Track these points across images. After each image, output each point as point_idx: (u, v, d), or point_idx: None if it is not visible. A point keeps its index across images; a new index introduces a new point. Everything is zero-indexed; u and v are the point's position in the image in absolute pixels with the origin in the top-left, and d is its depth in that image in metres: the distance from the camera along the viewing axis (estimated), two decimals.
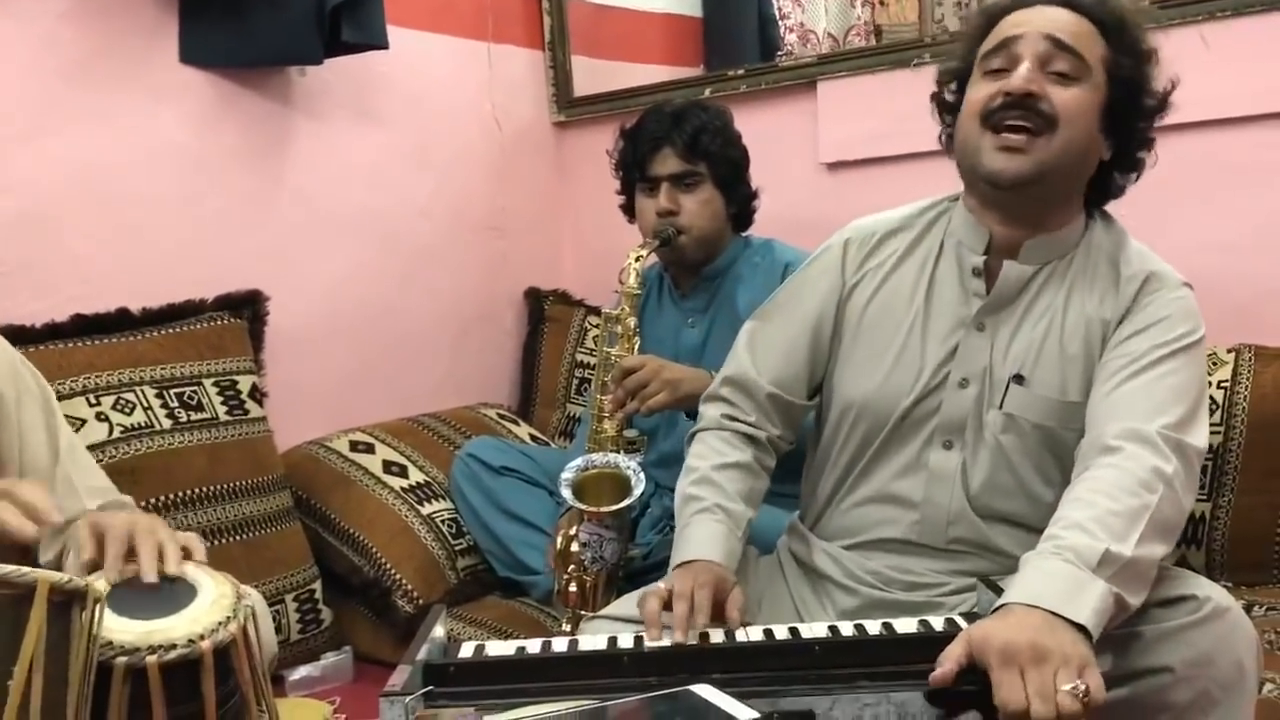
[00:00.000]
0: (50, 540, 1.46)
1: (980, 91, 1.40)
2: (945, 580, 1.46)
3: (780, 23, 3.12)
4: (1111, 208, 1.49)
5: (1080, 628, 1.11)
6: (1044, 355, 1.42)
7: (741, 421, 1.58)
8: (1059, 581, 1.14)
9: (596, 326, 2.81)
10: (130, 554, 1.30)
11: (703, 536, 1.44)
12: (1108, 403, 1.34)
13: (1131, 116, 1.42)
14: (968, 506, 1.44)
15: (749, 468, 1.55)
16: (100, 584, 1.11)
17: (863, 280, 1.54)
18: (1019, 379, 1.42)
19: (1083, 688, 1.05)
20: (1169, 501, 1.24)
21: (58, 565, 1.44)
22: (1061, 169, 1.39)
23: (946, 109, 1.53)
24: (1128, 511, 1.20)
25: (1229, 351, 2.09)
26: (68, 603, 1.03)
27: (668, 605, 1.30)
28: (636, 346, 2.10)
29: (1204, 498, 2.03)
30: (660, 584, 1.33)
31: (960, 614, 1.34)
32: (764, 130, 2.62)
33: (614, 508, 1.91)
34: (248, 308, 2.37)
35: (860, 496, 1.52)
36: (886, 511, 1.50)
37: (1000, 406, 1.43)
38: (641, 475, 1.93)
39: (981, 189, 1.44)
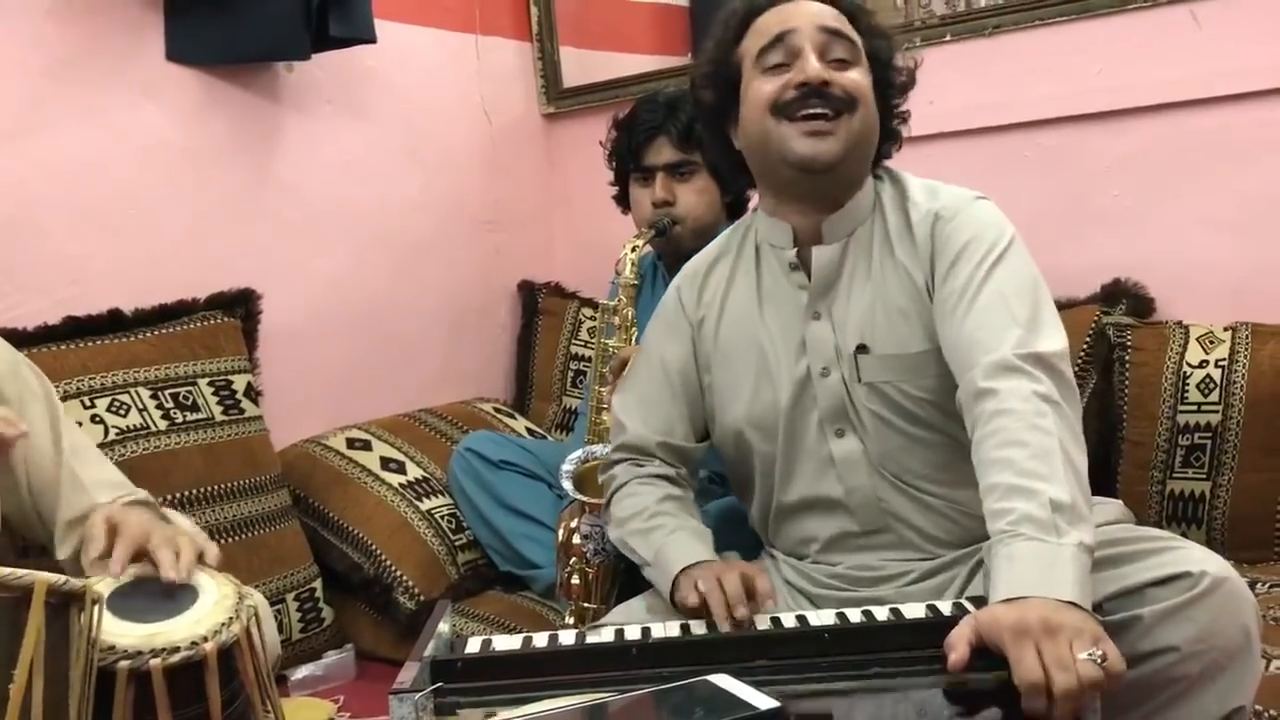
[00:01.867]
0: (65, 534, 1.46)
1: (766, 86, 1.44)
2: (908, 568, 1.47)
3: None
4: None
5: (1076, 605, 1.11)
6: (877, 319, 1.46)
7: (648, 468, 1.62)
8: (1031, 563, 1.14)
9: (591, 319, 2.80)
10: (139, 556, 1.30)
11: (690, 548, 1.46)
12: (956, 344, 1.37)
13: (890, 91, 1.50)
14: (885, 482, 1.47)
15: (684, 500, 1.59)
16: (99, 586, 1.10)
17: (705, 315, 1.60)
18: (862, 349, 1.46)
19: (1099, 654, 1.05)
20: (1060, 418, 1.25)
21: (75, 559, 1.44)
22: (863, 146, 1.45)
23: (711, 114, 1.57)
24: (1039, 450, 1.21)
25: (1225, 329, 2.09)
26: (65, 604, 1.03)
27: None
28: (634, 337, 2.09)
29: (1203, 476, 2.04)
30: (690, 594, 1.34)
31: (967, 598, 1.34)
32: None
33: None
34: (241, 306, 2.35)
35: (790, 510, 1.55)
36: (820, 515, 1.52)
37: (859, 379, 1.46)
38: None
39: (787, 177, 1.47)
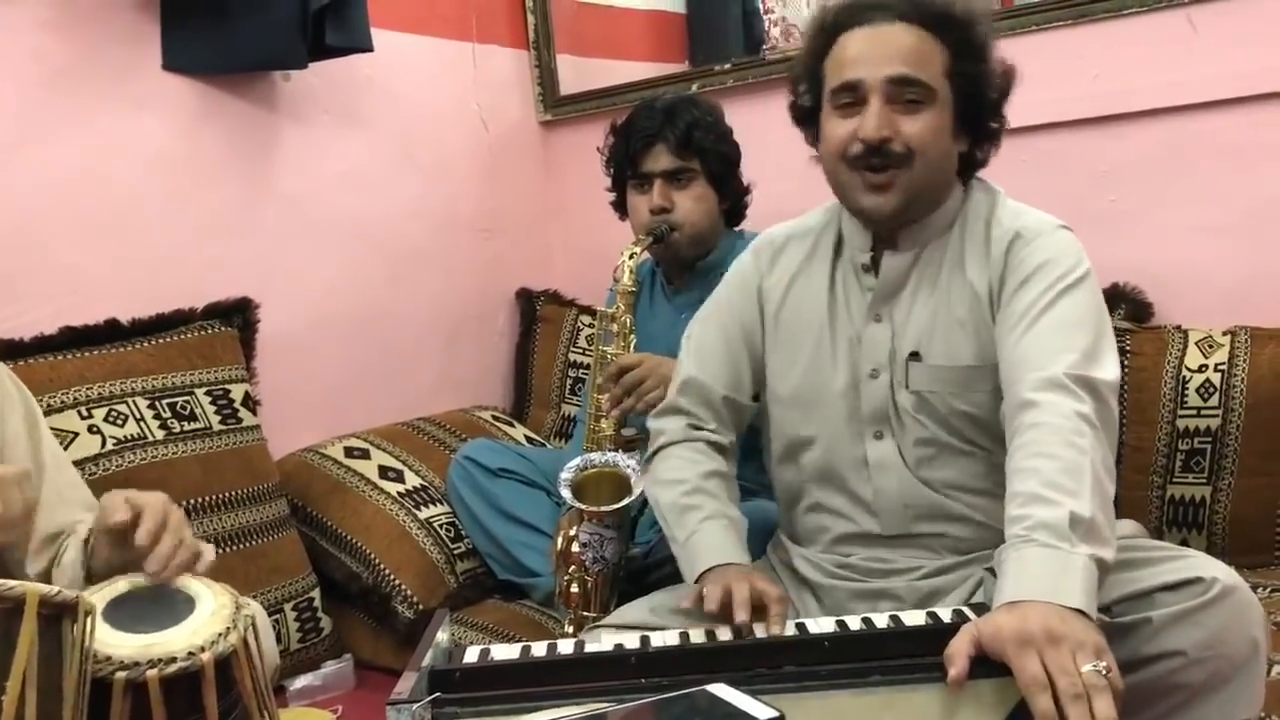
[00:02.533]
0: (40, 548, 1.45)
1: (836, 130, 1.46)
2: (918, 563, 1.49)
3: (765, 17, 3.11)
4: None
5: (1081, 614, 1.10)
6: (936, 329, 1.47)
7: (705, 429, 1.63)
8: (1041, 569, 1.15)
9: (589, 326, 2.80)
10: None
11: (720, 542, 1.48)
12: (1012, 360, 1.37)
13: (982, 112, 1.49)
14: (917, 487, 1.48)
15: (728, 478, 1.60)
16: (92, 597, 1.09)
17: (774, 285, 1.61)
18: (915, 356, 1.47)
19: (1104, 666, 1.04)
20: (1097, 441, 1.26)
21: (45, 577, 1.42)
22: (924, 189, 1.46)
23: (802, 115, 1.58)
24: (1071, 466, 1.22)
25: (1224, 334, 2.09)
26: (58, 615, 1.02)
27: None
28: (633, 344, 2.09)
29: (1203, 481, 2.03)
30: (733, 589, 1.34)
31: (967, 605, 1.33)
32: (752, 123, 2.61)
33: (613, 507, 1.90)
34: (238, 315, 2.35)
35: (815, 500, 1.56)
36: (845, 511, 1.53)
37: (907, 386, 1.47)
38: (641, 474, 1.92)
39: (859, 221, 1.52)
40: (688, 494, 1.54)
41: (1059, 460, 1.23)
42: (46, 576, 1.45)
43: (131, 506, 1.32)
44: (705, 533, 1.49)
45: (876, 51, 1.43)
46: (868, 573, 1.51)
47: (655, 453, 1.64)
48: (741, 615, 1.29)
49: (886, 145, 1.42)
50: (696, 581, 1.44)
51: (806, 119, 1.56)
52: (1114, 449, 1.31)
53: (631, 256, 2.12)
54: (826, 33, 1.49)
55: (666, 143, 2.13)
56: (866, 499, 1.51)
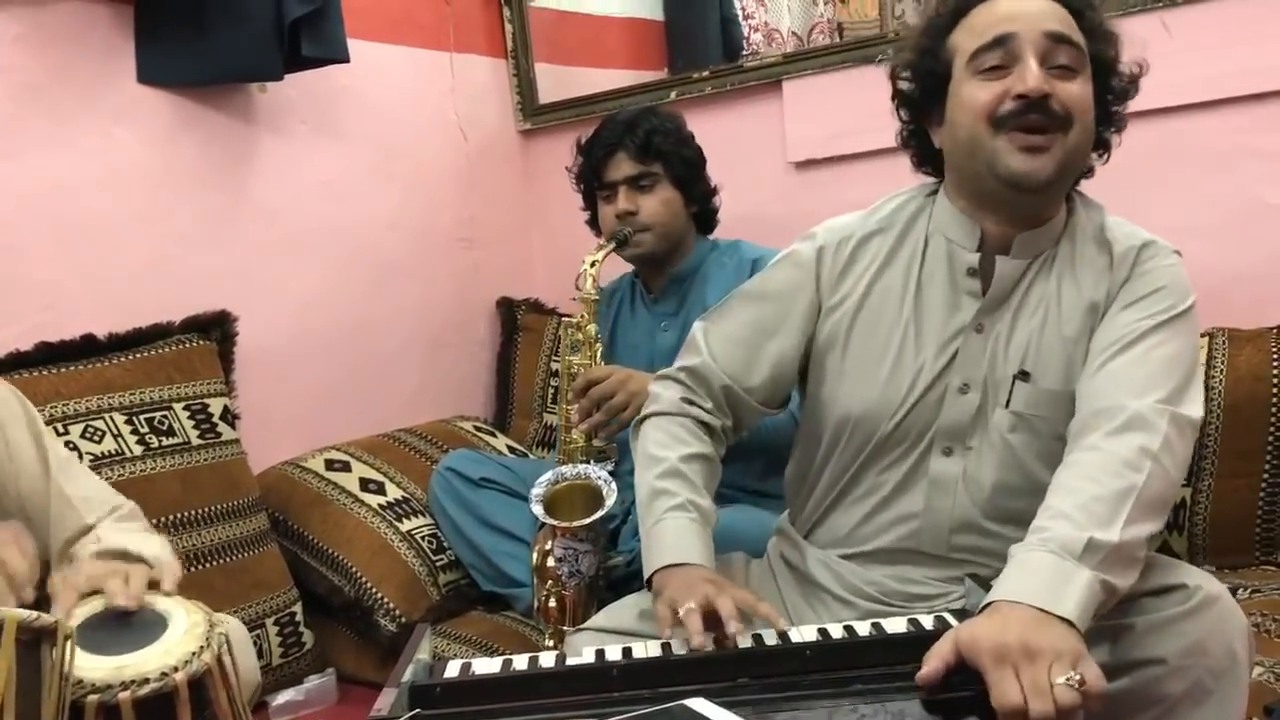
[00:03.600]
0: (61, 554, 1.47)
1: (981, 93, 1.35)
2: (947, 589, 1.43)
3: (744, 23, 3.12)
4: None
5: (1068, 622, 1.10)
6: (1044, 347, 1.39)
7: (699, 407, 1.53)
8: (1043, 575, 1.13)
9: None
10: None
11: (681, 538, 1.40)
12: (1097, 380, 1.32)
13: (1110, 100, 1.41)
14: (973, 512, 1.41)
15: (711, 460, 1.51)
16: (71, 621, 1.08)
17: (845, 290, 1.49)
18: (1024, 375, 1.39)
19: (1077, 678, 1.04)
20: (1157, 478, 1.21)
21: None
22: (1077, 162, 1.38)
23: (910, 104, 1.48)
24: (1112, 495, 1.19)
25: (1202, 335, 2.10)
26: (37, 641, 1.01)
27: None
28: (598, 353, 2.09)
29: (1184, 483, 2.03)
30: (691, 602, 1.27)
31: (950, 611, 1.33)
32: (731, 131, 2.62)
33: (584, 522, 1.90)
34: (216, 329, 2.33)
35: (856, 506, 1.48)
36: (885, 521, 1.46)
37: (1007, 405, 1.39)
38: (613, 485, 1.92)
39: (991, 188, 1.38)
40: (661, 476, 1.46)
41: (1101, 487, 1.20)
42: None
43: (85, 588, 1.31)
44: (669, 523, 1.41)
45: (1024, 8, 1.34)
46: (889, 593, 1.44)
47: (645, 419, 1.56)
48: (697, 641, 1.23)
49: (1047, 102, 1.31)
50: (650, 579, 1.39)
51: (921, 100, 1.45)
52: (1175, 488, 1.27)
53: (593, 264, 2.13)
54: (955, 5, 1.41)
55: (627, 150, 2.16)
56: (915, 512, 1.43)
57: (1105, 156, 1.47)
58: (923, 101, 1.46)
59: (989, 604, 1.14)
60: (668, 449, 1.49)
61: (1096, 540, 1.15)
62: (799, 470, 1.58)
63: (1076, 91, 1.33)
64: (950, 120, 1.40)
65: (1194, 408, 1.29)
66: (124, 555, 1.43)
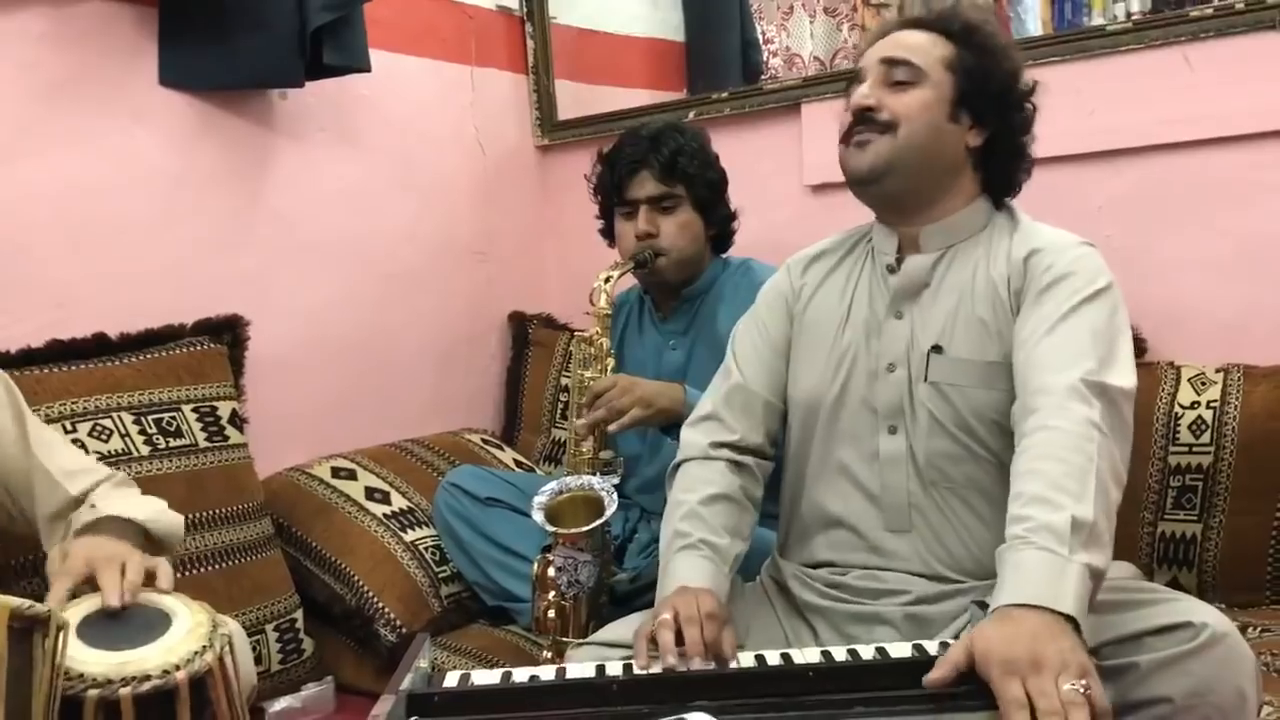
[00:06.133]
0: (49, 530, 1.48)
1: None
2: (908, 586, 1.48)
3: (764, 48, 3.13)
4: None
5: (1069, 619, 1.12)
6: (957, 323, 1.50)
7: (728, 447, 1.61)
8: (1038, 572, 1.16)
9: None
10: (91, 582, 1.28)
11: (689, 569, 1.46)
12: (1028, 365, 1.39)
13: (986, 100, 1.53)
14: (924, 483, 1.49)
15: (735, 500, 1.58)
16: (65, 613, 1.08)
17: (801, 292, 1.66)
18: (937, 349, 1.50)
19: (1082, 685, 1.05)
20: (1104, 449, 1.27)
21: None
22: (911, 160, 1.51)
23: None
24: (1076, 470, 1.23)
25: (1217, 371, 2.09)
26: (28, 630, 1.01)
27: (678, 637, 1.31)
28: (610, 367, 2.09)
29: (1195, 519, 2.02)
30: (665, 614, 1.32)
31: (954, 639, 1.32)
32: (748, 153, 2.62)
33: (583, 529, 1.89)
34: (228, 332, 2.33)
35: (822, 496, 1.57)
36: (850, 498, 1.54)
37: (925, 379, 1.50)
38: (614, 495, 1.92)
39: (854, 192, 1.58)
40: (681, 519, 1.54)
41: (1065, 464, 1.24)
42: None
43: (82, 573, 1.31)
44: (679, 560, 1.48)
45: (881, 45, 1.56)
46: (860, 593, 1.50)
47: (677, 466, 1.65)
48: (668, 659, 1.28)
49: (871, 113, 1.51)
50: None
51: None
52: (1127, 456, 1.32)
53: (608, 280, 2.12)
54: (868, 43, 1.62)
55: (651, 169, 2.14)
56: (874, 492, 1.52)
57: (1021, 171, 1.60)
58: None
59: (996, 609, 1.16)
60: (691, 492, 1.57)
61: (1077, 518, 1.19)
62: (781, 482, 1.67)
63: (906, 100, 1.51)
64: None
65: (1122, 377, 1.35)
66: (119, 521, 1.44)
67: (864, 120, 1.51)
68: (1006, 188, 1.60)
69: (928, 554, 1.49)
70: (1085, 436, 1.26)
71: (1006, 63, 1.56)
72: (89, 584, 1.30)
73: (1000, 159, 1.57)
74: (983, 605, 1.31)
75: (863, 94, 1.52)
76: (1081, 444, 1.25)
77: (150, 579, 1.31)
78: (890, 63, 1.53)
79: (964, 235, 1.55)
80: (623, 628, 1.48)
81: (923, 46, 1.53)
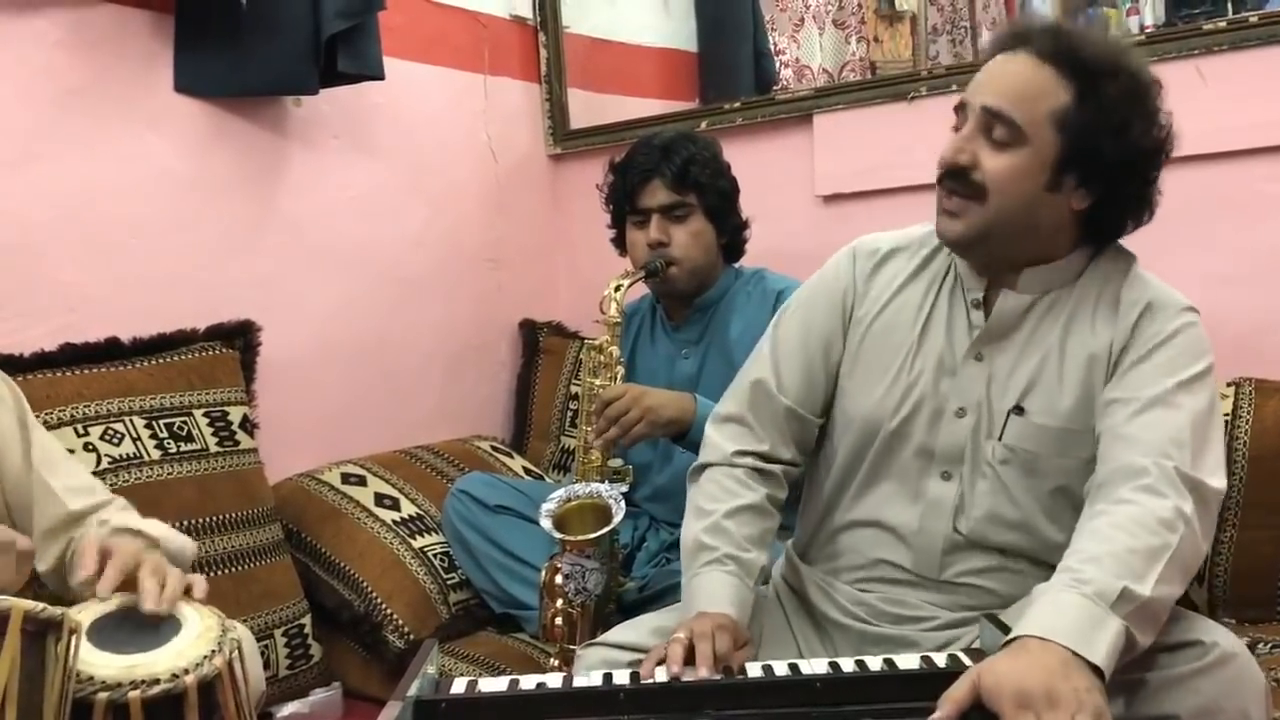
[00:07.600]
0: (44, 545, 1.46)
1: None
2: (936, 614, 1.44)
3: (776, 58, 3.13)
4: None
5: (1094, 668, 1.08)
6: (1042, 385, 1.40)
7: (753, 454, 1.54)
8: (1075, 616, 1.12)
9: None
10: (127, 584, 1.28)
11: (714, 588, 1.42)
12: (1120, 437, 1.31)
13: (1096, 168, 1.36)
14: (964, 539, 1.43)
15: (761, 509, 1.52)
16: (79, 615, 1.08)
17: (868, 296, 1.54)
18: (1019, 410, 1.41)
19: None
20: (1189, 542, 1.21)
21: (55, 572, 1.46)
22: (1001, 232, 1.38)
23: None
24: (1147, 550, 1.18)
25: (1229, 385, 2.08)
26: (42, 632, 1.01)
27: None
28: (620, 375, 2.09)
29: None
30: (679, 634, 1.29)
31: (963, 650, 1.31)
32: (760, 163, 2.62)
33: (590, 536, 1.89)
34: (239, 338, 2.34)
35: (852, 520, 1.51)
36: (880, 540, 1.48)
37: (1000, 438, 1.42)
38: (622, 503, 1.92)
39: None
40: (706, 531, 1.48)
41: (1137, 540, 1.19)
42: (55, 572, 1.48)
43: (100, 551, 1.31)
44: (704, 576, 1.43)
45: (988, 78, 1.39)
46: (879, 615, 1.46)
47: (700, 468, 1.58)
48: (674, 669, 1.23)
49: (962, 171, 1.37)
50: None
51: None
52: (1200, 558, 1.26)
53: (618, 289, 2.12)
54: (985, 56, 1.46)
55: (663, 178, 2.14)
56: (908, 532, 1.45)
57: (1148, 214, 1.44)
58: None
59: (1015, 639, 1.13)
60: (717, 502, 1.51)
61: (1130, 591, 1.14)
62: (809, 490, 1.61)
63: (999, 166, 1.36)
64: None
65: (1218, 479, 1.29)
66: (135, 533, 1.44)
67: (954, 176, 1.38)
68: (1114, 231, 1.45)
69: (953, 599, 1.44)
70: (1170, 525, 1.20)
71: (1136, 122, 1.36)
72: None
73: (1113, 214, 1.42)
74: (992, 619, 1.31)
75: (956, 146, 1.38)
76: (1163, 530, 1.20)
77: (187, 593, 1.31)
78: (993, 115, 1.35)
79: (1063, 281, 1.43)
80: (631, 630, 1.47)
81: (1031, 94, 1.34)
